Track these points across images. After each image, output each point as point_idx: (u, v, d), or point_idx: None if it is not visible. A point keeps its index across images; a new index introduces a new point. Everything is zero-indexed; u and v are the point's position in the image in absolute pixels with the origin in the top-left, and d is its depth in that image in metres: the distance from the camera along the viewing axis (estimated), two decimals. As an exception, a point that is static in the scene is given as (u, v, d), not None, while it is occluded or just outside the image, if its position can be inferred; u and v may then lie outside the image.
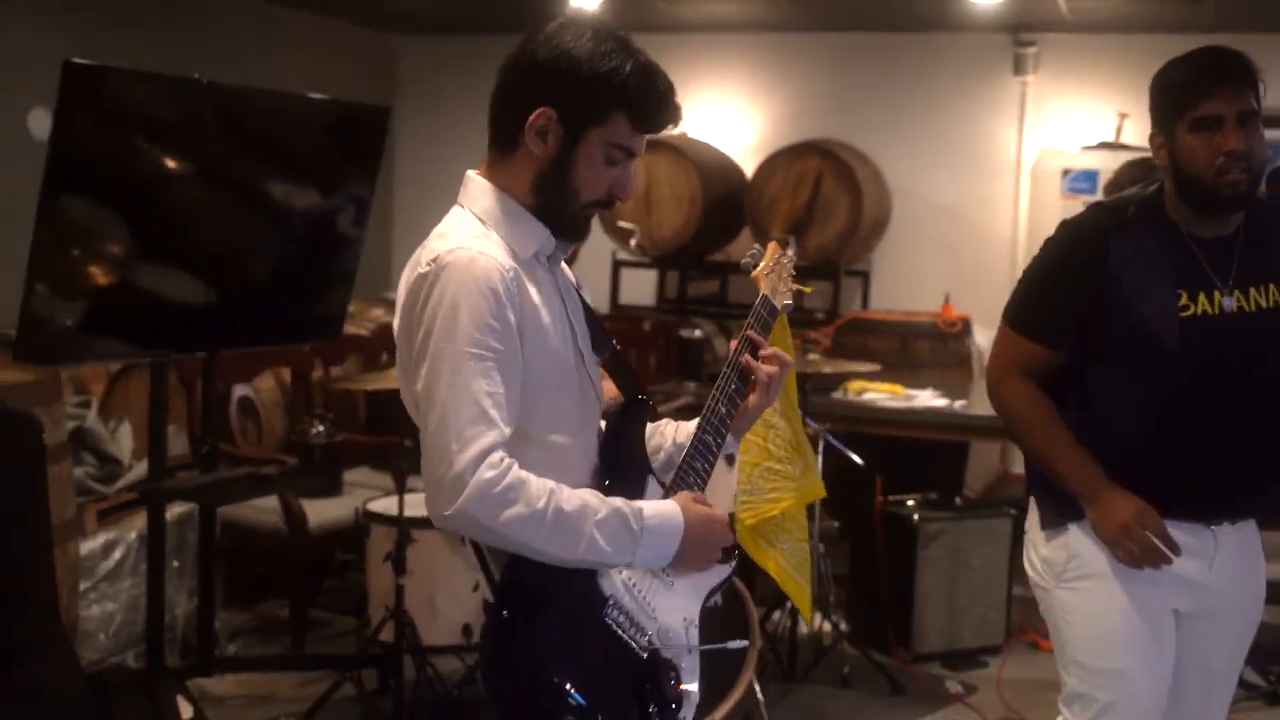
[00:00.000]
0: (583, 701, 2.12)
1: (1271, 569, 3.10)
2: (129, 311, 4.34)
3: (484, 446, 2.06)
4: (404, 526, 4.51)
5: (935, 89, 8.91)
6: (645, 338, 7.79)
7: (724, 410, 2.42)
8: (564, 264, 2.42)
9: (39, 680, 3.42)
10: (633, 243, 8.31)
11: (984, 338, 7.73)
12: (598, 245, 8.40)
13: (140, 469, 5.05)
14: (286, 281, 4.89)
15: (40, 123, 6.66)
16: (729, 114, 9.32)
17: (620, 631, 2.20)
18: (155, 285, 4.42)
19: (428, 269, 2.15)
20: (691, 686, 2.29)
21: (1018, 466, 6.67)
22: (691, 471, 2.36)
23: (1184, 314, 2.84)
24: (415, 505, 4.62)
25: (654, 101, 2.24)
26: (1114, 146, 7.92)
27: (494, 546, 2.14)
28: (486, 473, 2.04)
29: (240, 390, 6.19)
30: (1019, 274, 3.12)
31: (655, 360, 7.84)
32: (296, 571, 5.52)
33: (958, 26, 8.54)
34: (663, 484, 2.37)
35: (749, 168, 8.47)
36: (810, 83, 9.16)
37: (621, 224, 8.26)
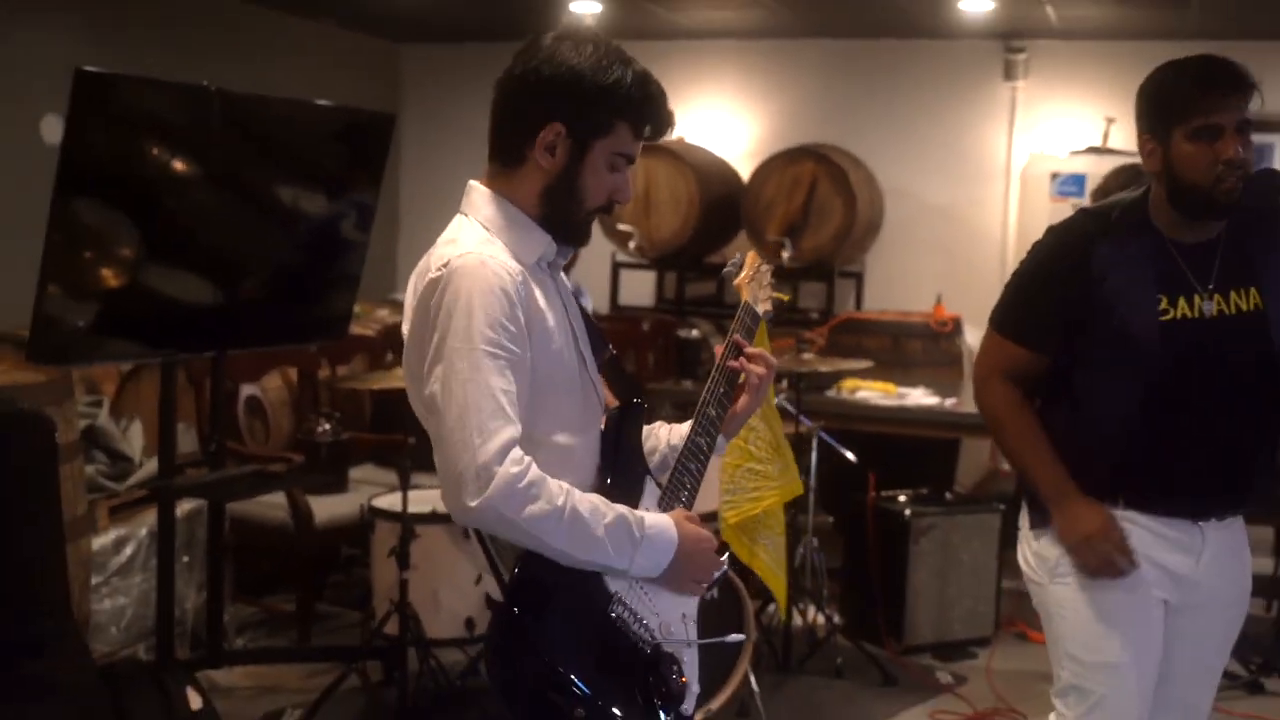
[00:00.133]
0: (591, 694, 2.13)
1: (1255, 562, 3.11)
2: (139, 313, 4.36)
3: (505, 441, 2.07)
4: (408, 522, 4.53)
5: (927, 94, 8.91)
6: (644, 337, 7.80)
7: (714, 413, 2.45)
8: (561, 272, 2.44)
9: (53, 674, 3.42)
10: (632, 245, 8.32)
11: (975, 337, 7.74)
12: (598, 247, 8.40)
13: (150, 466, 5.06)
14: (293, 284, 4.91)
15: (53, 129, 6.67)
16: (726, 119, 9.32)
17: (624, 627, 2.22)
18: (165, 287, 4.43)
19: (439, 274, 2.15)
20: (692, 680, 2.31)
21: (1007, 463, 6.70)
22: (686, 472, 2.39)
23: (1163, 317, 2.85)
24: (419, 501, 4.64)
25: (653, 110, 2.28)
26: (1101, 151, 7.93)
27: (508, 541, 2.14)
28: (512, 468, 2.05)
29: (248, 389, 6.20)
30: (1009, 274, 3.12)
31: (654, 359, 7.85)
32: (303, 566, 5.52)
33: (949, 33, 8.53)
34: (659, 484, 2.39)
35: (745, 171, 8.47)
36: (805, 88, 9.16)
37: (621, 226, 8.26)
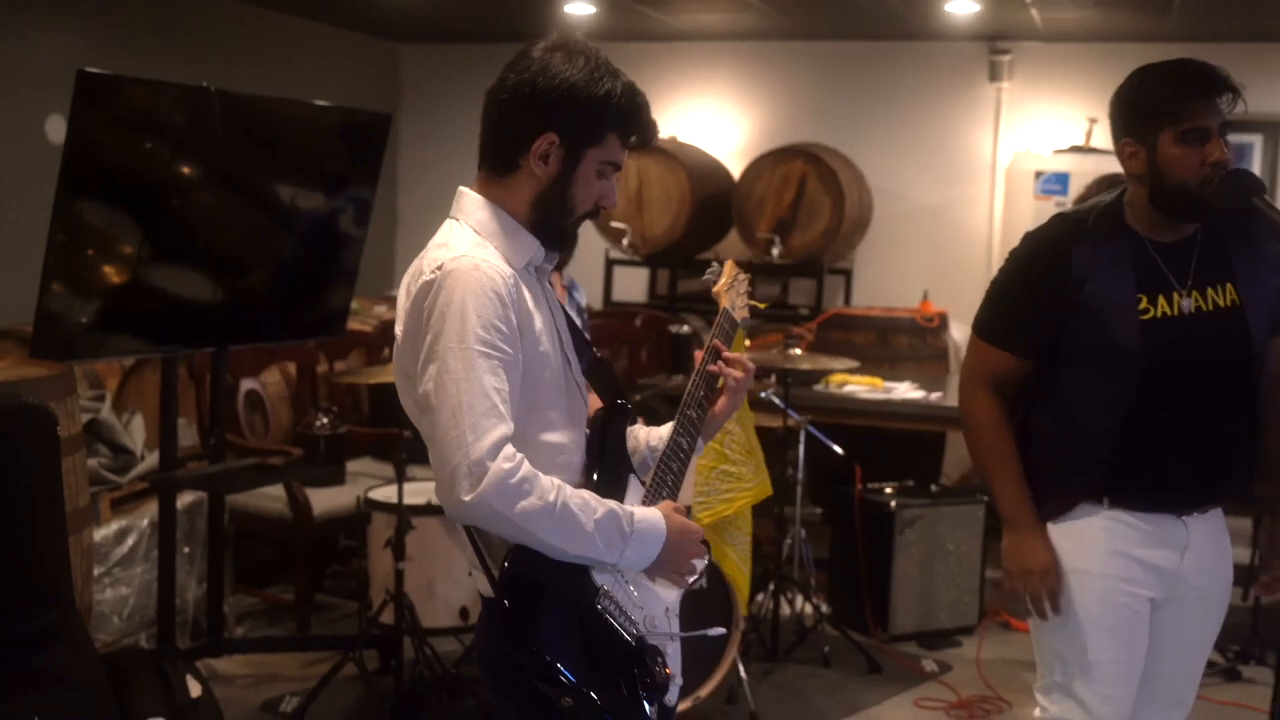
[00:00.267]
0: (579, 684, 2.15)
1: (1234, 552, 3.11)
2: (141, 309, 4.36)
3: (498, 438, 2.08)
4: (403, 514, 4.53)
5: (915, 95, 8.91)
6: (637, 333, 7.80)
7: (695, 415, 2.47)
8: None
9: (58, 663, 3.42)
10: (625, 242, 8.32)
11: (960, 332, 7.76)
12: (592, 245, 8.41)
13: (152, 459, 5.06)
14: (291, 280, 4.91)
15: (57, 129, 6.67)
16: (718, 118, 9.32)
17: (611, 619, 2.23)
18: (166, 284, 4.43)
19: (433, 276, 2.17)
20: (676, 671, 2.32)
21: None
22: (668, 471, 2.41)
23: (1144, 316, 2.86)
24: (414, 493, 4.65)
25: (641, 120, 2.31)
26: (1084, 150, 7.94)
27: (501, 535, 2.15)
28: (504, 464, 2.07)
29: (248, 384, 6.20)
30: (994, 271, 3.13)
31: (646, 354, 7.85)
32: (302, 557, 5.53)
33: (936, 35, 8.54)
34: (643, 482, 2.41)
35: (736, 170, 8.47)
36: (795, 89, 9.17)
37: (614, 224, 8.26)
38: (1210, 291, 2.91)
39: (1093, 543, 2.94)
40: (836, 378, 6.52)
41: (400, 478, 4.54)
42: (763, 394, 5.59)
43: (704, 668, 4.62)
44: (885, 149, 8.88)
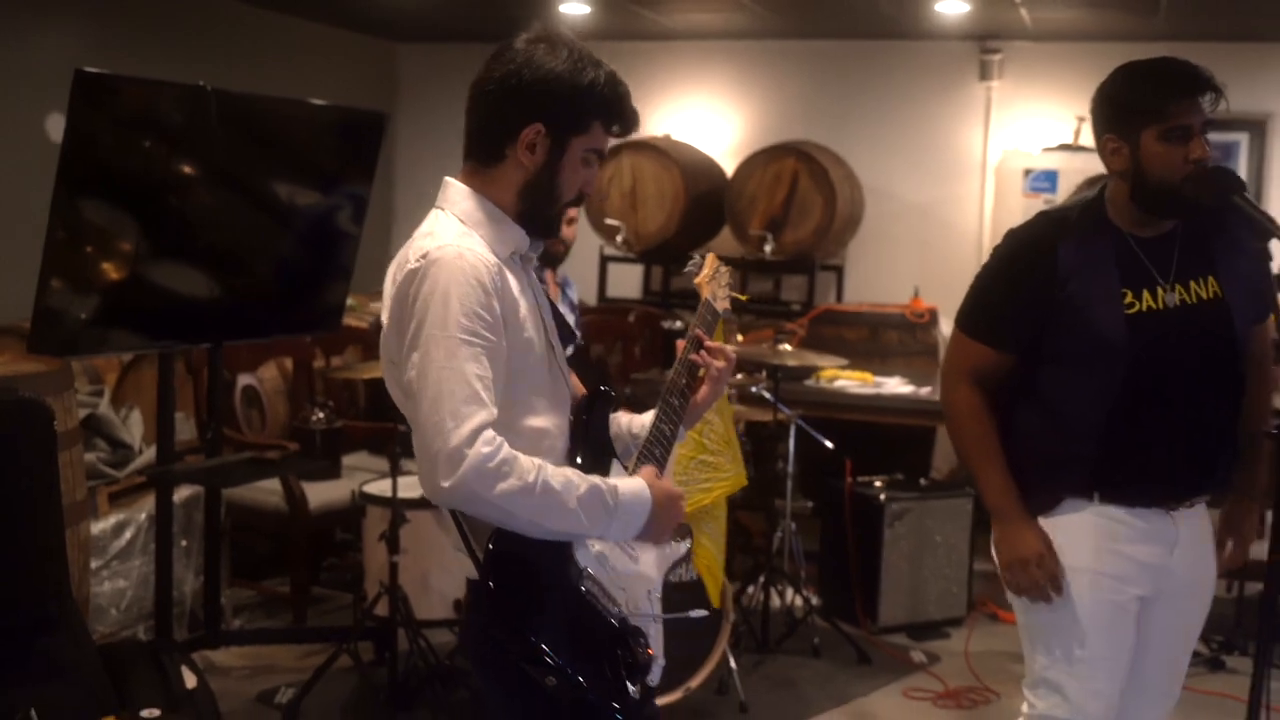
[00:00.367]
0: (562, 664, 2.16)
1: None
2: (139, 305, 4.37)
3: (478, 424, 2.09)
4: (398, 507, 4.54)
5: (906, 94, 8.91)
6: (630, 328, 7.81)
7: (677, 403, 2.49)
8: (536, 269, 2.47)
9: (55, 653, 3.43)
10: (619, 239, 8.32)
11: (950, 327, 7.75)
12: (587, 241, 8.38)
13: (150, 454, 5.07)
14: (288, 276, 4.91)
15: (58, 127, 6.61)
16: (711, 117, 9.33)
17: (594, 601, 2.25)
18: (164, 280, 4.44)
19: (418, 264, 2.18)
20: (658, 652, 2.33)
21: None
22: (650, 458, 2.42)
23: (1129, 310, 2.86)
24: (409, 487, 4.65)
25: (623, 108, 2.34)
26: (1072, 148, 7.95)
27: (484, 518, 2.17)
28: (483, 448, 2.08)
29: (245, 379, 6.21)
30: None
31: (639, 350, 7.86)
32: (298, 550, 5.54)
33: (927, 35, 8.54)
34: (625, 468, 2.42)
35: (729, 168, 8.47)
36: (788, 87, 9.16)
37: (609, 221, 8.27)
38: (1193, 284, 2.92)
39: (1082, 538, 2.93)
40: (827, 373, 6.53)
41: (395, 472, 4.55)
42: (754, 389, 5.60)
43: (695, 659, 4.63)
44: (877, 147, 8.87)
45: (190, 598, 5.21)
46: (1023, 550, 2.92)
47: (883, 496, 5.72)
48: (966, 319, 3.07)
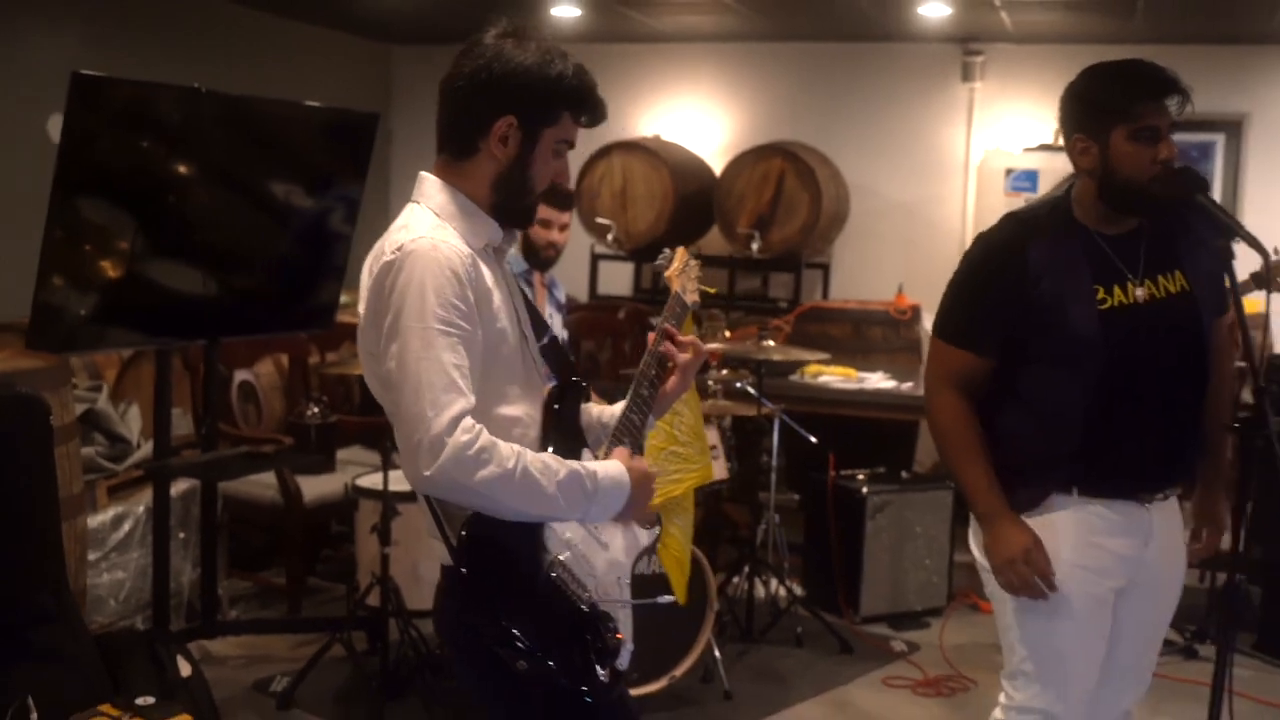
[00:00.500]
0: (533, 648, 2.18)
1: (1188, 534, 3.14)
2: (138, 303, 4.38)
3: (457, 412, 2.11)
4: (389, 500, 4.55)
5: (890, 95, 8.93)
6: (620, 325, 7.82)
7: (646, 393, 2.50)
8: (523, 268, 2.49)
9: (52, 642, 3.45)
10: (610, 237, 8.33)
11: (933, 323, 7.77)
12: (578, 240, 8.37)
13: (147, 448, 5.08)
14: (283, 274, 4.93)
15: (59, 127, 6.65)
16: (700, 117, 9.34)
17: (564, 587, 2.26)
18: (162, 278, 4.45)
19: (394, 256, 2.20)
20: (627, 637, 2.36)
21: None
22: (619, 445, 2.43)
23: (1102, 307, 2.87)
24: (400, 481, 4.65)
25: (591, 100, 2.36)
26: (1053, 148, 7.97)
27: (465, 505, 2.18)
28: (462, 436, 2.09)
29: (241, 375, 6.22)
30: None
31: (630, 346, 7.88)
32: (293, 542, 5.56)
33: (911, 37, 8.56)
34: (595, 457, 2.43)
35: (718, 167, 8.49)
36: (775, 89, 9.19)
37: (599, 220, 8.29)
38: (1161, 279, 2.93)
39: (1064, 533, 2.93)
40: (811, 368, 6.56)
41: (386, 465, 4.56)
42: (738, 384, 5.62)
43: (679, 648, 4.66)
44: (862, 147, 8.90)
45: (188, 589, 5.23)
46: (1011, 549, 2.90)
47: (864, 489, 5.74)
48: (943, 326, 3.07)
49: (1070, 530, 2.94)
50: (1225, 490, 3.20)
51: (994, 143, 8.56)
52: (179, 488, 5.08)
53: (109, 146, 4.12)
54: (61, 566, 3.59)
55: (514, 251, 4.83)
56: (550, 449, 2.33)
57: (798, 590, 5.76)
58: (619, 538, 2.41)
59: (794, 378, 6.51)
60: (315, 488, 5.58)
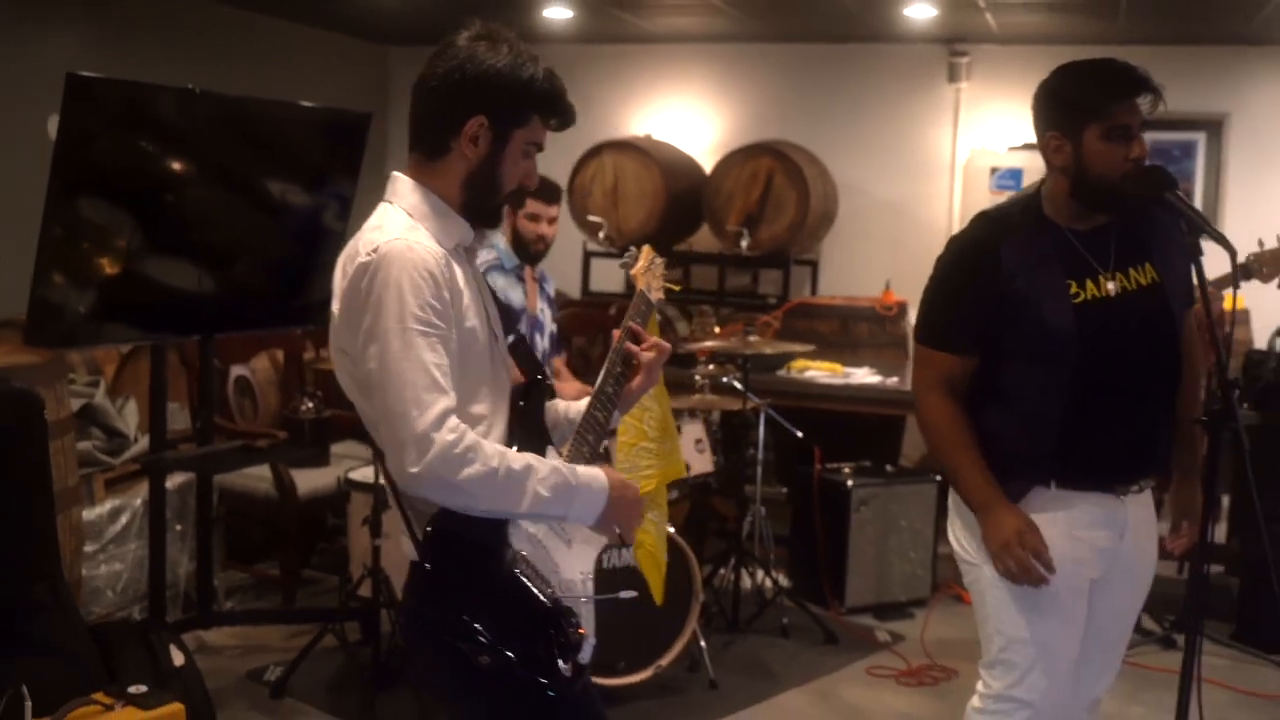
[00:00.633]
0: (496, 643, 2.19)
1: (1161, 526, 3.15)
2: (135, 299, 4.39)
3: (441, 411, 2.11)
4: (380, 493, 4.56)
5: (878, 95, 8.95)
6: (611, 321, 7.82)
7: (611, 391, 2.51)
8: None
9: (46, 632, 3.46)
10: (601, 235, 8.34)
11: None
12: (571, 237, 8.41)
13: (144, 442, 5.09)
14: (277, 271, 4.94)
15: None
16: (690, 117, 9.36)
17: (528, 583, 2.26)
18: (159, 275, 4.46)
19: (369, 258, 2.19)
20: (589, 632, 2.37)
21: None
22: (584, 443, 2.45)
23: (1075, 300, 2.88)
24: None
25: (560, 103, 2.37)
26: (1037, 148, 7.93)
27: (447, 503, 2.18)
28: (448, 435, 2.10)
29: (238, 370, 6.23)
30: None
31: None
32: (288, 534, 5.57)
33: (898, 38, 8.57)
34: (560, 454, 2.44)
35: (708, 166, 8.50)
36: (764, 89, 9.20)
37: (591, 218, 8.29)
38: (1132, 272, 2.94)
39: (1043, 526, 2.93)
40: (798, 363, 6.57)
41: (377, 458, 4.56)
42: (724, 379, 5.63)
43: (666, 638, 4.67)
44: (850, 146, 8.91)
45: (184, 580, 5.24)
46: (1005, 532, 2.89)
47: (850, 483, 5.75)
48: (924, 331, 3.07)
49: (1049, 523, 2.94)
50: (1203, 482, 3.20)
51: (979, 142, 8.58)
52: (176, 481, 5.09)
53: (106, 146, 4.13)
54: (56, 558, 3.59)
55: (506, 247, 4.84)
56: (515, 447, 2.33)
57: (783, 581, 5.77)
58: (583, 533, 2.42)
59: (781, 373, 6.51)
60: (309, 481, 5.59)
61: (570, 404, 2.59)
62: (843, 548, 5.74)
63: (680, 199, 8.29)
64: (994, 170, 8.02)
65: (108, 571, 4.91)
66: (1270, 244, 4.25)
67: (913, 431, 7.52)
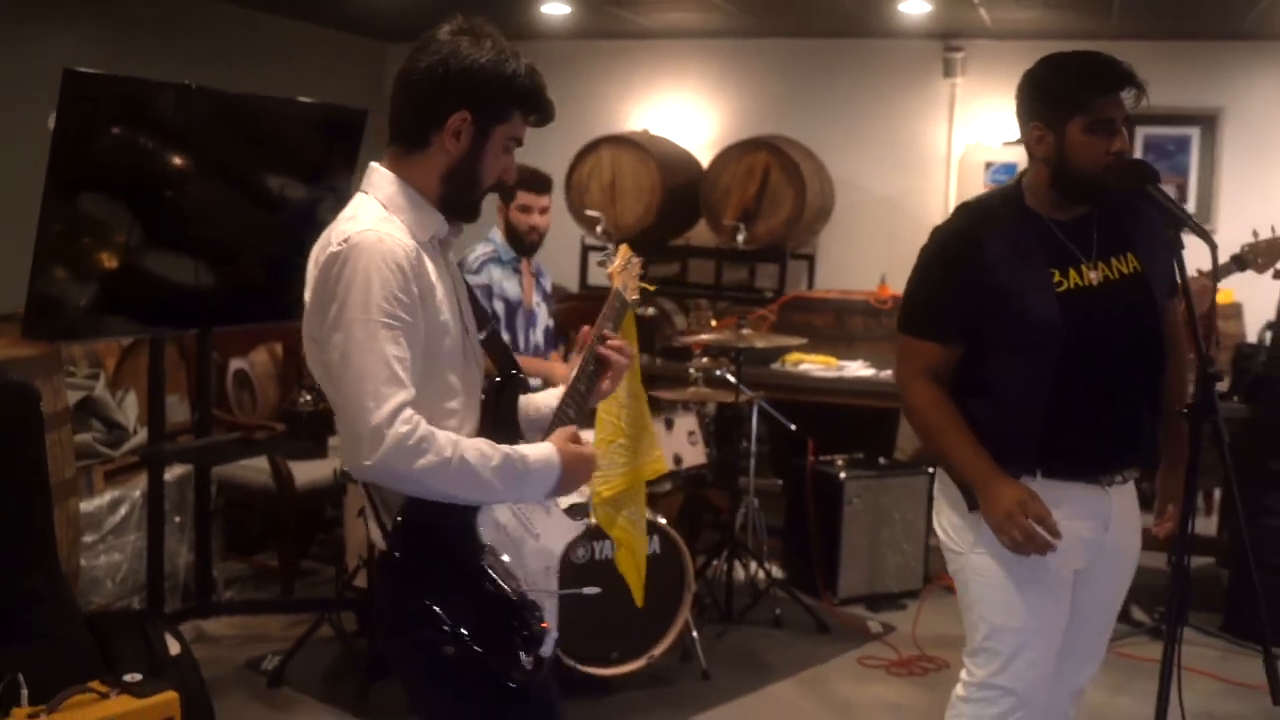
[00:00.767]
0: (463, 633, 2.20)
1: (1145, 518, 3.16)
2: (133, 293, 4.42)
3: (396, 404, 2.13)
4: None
5: (874, 90, 8.95)
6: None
7: (583, 388, 2.53)
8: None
9: (44, 621, 3.48)
10: (599, 229, 8.35)
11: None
12: (568, 231, 8.43)
13: (143, 434, 5.11)
14: (275, 265, 4.96)
15: (59, 123, 6.70)
16: (687, 112, 9.36)
17: (494, 574, 2.28)
18: (158, 269, 4.49)
19: (340, 248, 2.20)
20: (552, 625, 2.38)
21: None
22: (563, 427, 2.46)
23: (1058, 290, 2.89)
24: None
25: (541, 100, 2.37)
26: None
27: (404, 492, 2.21)
28: (401, 427, 2.11)
29: (237, 363, 6.25)
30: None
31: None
32: (286, 526, 5.59)
33: (893, 33, 8.58)
34: None
35: (705, 161, 8.50)
36: (761, 84, 9.20)
37: (589, 212, 8.30)
38: (1115, 261, 2.95)
39: None
40: (792, 356, 6.58)
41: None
42: (718, 371, 5.65)
43: (659, 628, 4.69)
44: (846, 141, 8.91)
45: (184, 570, 5.27)
46: (1005, 503, 2.86)
47: (842, 475, 5.77)
48: (907, 321, 3.07)
49: None
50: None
51: (974, 137, 8.58)
52: (175, 473, 5.11)
53: (105, 142, 4.16)
54: (53, 549, 3.62)
55: (501, 240, 4.86)
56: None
57: (776, 573, 5.79)
58: (550, 527, 2.45)
59: (775, 366, 6.53)
60: (307, 473, 5.61)
61: (543, 399, 2.59)
62: (835, 539, 5.76)
63: (677, 193, 8.30)
64: (989, 165, 8.03)
65: (107, 562, 4.93)
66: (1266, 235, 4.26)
67: (907, 425, 7.53)
